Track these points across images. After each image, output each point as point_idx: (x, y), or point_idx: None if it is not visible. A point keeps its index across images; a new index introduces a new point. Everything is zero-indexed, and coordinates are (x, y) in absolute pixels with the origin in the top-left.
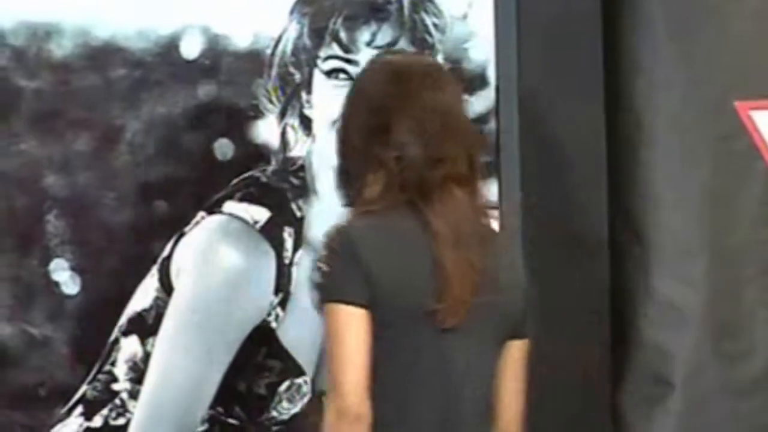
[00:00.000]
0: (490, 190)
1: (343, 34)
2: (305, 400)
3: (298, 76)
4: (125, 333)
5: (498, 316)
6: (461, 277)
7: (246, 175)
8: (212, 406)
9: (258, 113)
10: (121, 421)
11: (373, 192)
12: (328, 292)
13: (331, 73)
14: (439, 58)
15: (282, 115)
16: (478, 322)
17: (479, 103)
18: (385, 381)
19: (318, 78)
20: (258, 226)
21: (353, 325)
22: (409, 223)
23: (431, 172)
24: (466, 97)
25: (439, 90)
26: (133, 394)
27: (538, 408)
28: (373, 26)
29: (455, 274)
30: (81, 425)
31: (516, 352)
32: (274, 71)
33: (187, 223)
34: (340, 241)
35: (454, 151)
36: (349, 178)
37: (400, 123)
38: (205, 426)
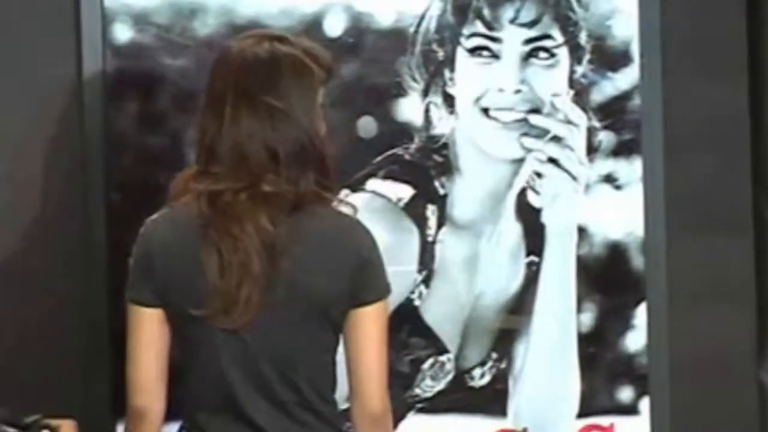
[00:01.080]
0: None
1: (486, 12)
2: (449, 377)
3: (441, 54)
4: None
5: (306, 305)
6: (230, 282)
7: (389, 152)
8: None
9: (401, 91)
10: None
11: (172, 187)
12: (127, 291)
13: (474, 51)
14: (583, 35)
15: (425, 92)
16: (279, 314)
17: (623, 79)
18: (185, 371)
19: (461, 55)
20: (401, 203)
21: (143, 324)
22: (196, 225)
23: (214, 197)
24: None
25: (256, 112)
26: None
27: (684, 387)
28: (517, 3)
29: (221, 279)
30: None
31: (358, 318)
32: (418, 49)
33: None
34: (140, 238)
35: (244, 179)
36: None
37: (201, 141)
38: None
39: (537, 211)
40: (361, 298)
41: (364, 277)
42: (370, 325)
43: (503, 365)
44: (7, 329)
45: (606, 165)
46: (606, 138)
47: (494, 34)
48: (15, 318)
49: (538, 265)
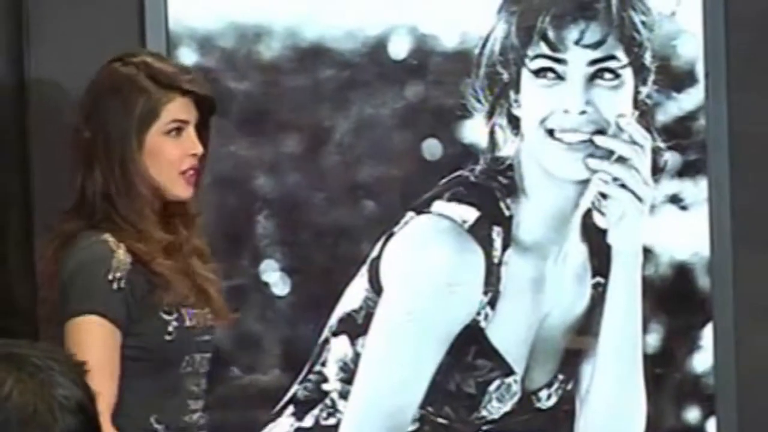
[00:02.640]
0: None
1: (551, 33)
2: (515, 399)
3: (506, 76)
4: (335, 333)
5: None
6: None
7: (454, 174)
8: (422, 406)
9: (466, 113)
10: (331, 421)
11: None
12: None
13: (539, 72)
14: (648, 56)
15: (490, 114)
16: None
17: (688, 100)
18: None
19: (526, 77)
20: (467, 225)
21: None
22: None
23: None
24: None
25: (74, 140)
26: (344, 394)
27: (751, 407)
28: (582, 24)
29: None
30: (292, 425)
31: None
32: (482, 71)
33: (396, 223)
34: None
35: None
36: None
37: None
38: (416, 425)
39: (603, 232)
40: (60, 317)
41: (61, 297)
42: (66, 344)
43: (570, 386)
44: None
45: (671, 185)
46: (671, 158)
47: (559, 55)
48: None
49: (604, 286)
